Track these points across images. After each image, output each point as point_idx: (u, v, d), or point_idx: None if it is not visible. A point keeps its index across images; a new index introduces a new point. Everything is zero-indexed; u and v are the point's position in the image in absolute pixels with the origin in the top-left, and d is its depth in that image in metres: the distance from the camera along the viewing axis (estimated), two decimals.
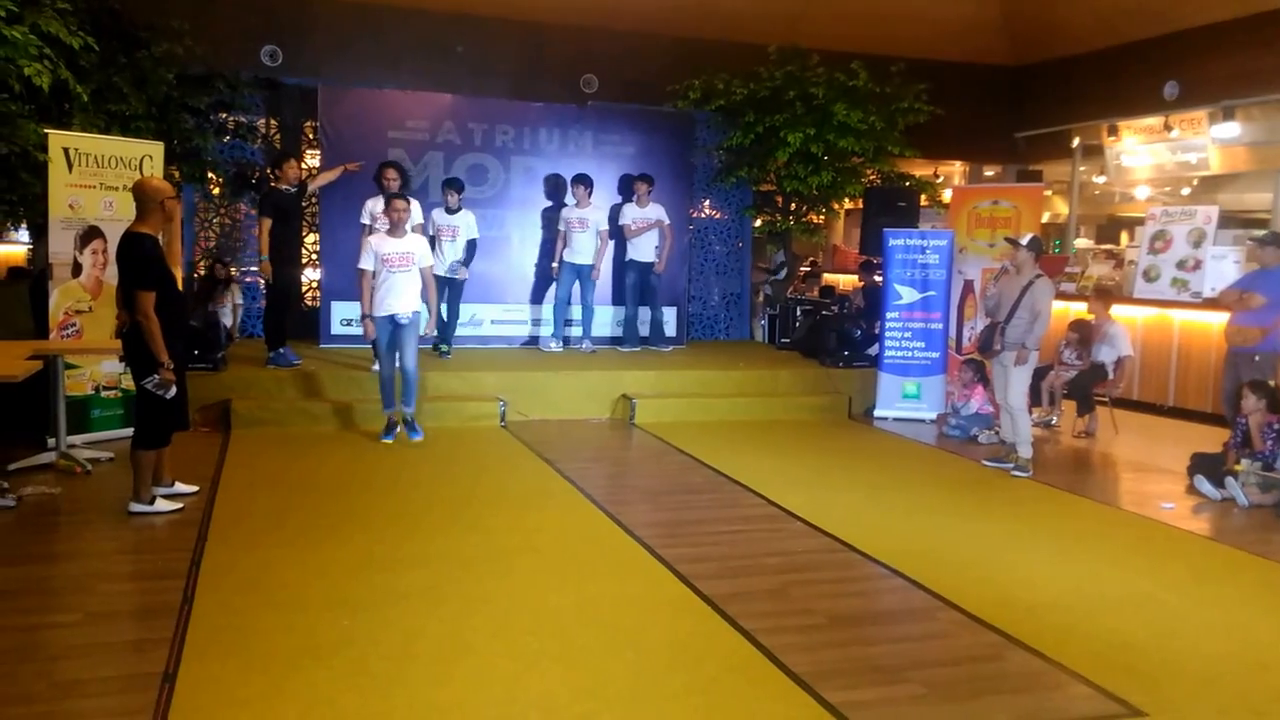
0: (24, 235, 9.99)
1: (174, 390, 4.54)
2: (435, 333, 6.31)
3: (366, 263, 6.29)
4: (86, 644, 3.30)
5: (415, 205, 8.10)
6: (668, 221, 8.86)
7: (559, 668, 3.22)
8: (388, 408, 6.31)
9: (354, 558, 4.19)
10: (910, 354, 7.96)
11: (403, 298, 6.09)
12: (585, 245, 8.52)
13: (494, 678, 3.12)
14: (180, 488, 4.96)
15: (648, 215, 8.83)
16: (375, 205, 7.42)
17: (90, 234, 6.00)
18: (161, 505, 4.70)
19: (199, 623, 3.44)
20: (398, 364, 6.25)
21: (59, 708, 2.86)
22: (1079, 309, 8.69)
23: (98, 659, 3.20)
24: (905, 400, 7.95)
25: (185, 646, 3.24)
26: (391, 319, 6.12)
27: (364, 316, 6.16)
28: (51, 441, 5.58)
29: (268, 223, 7.17)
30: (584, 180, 8.59)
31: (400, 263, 6.08)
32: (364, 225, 7.52)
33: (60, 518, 4.76)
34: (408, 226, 6.32)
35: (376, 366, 7.03)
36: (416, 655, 3.26)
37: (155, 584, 3.86)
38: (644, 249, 8.85)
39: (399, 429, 6.31)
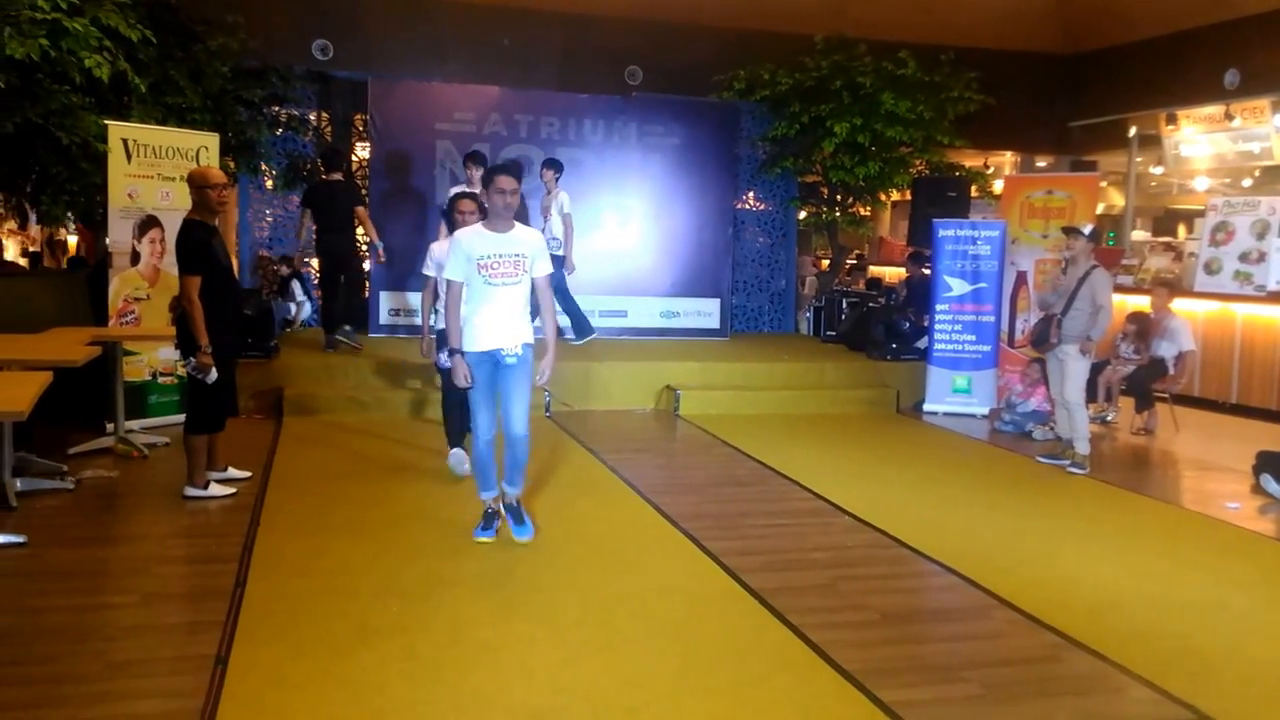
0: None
1: (214, 374, 4.56)
2: (545, 380, 4.21)
3: (433, 269, 5.00)
4: (142, 625, 3.37)
5: (563, 195, 7.64)
6: (566, 211, 7.79)
7: (605, 658, 3.19)
8: (486, 490, 4.27)
9: (403, 545, 4.21)
10: (961, 347, 7.79)
11: (507, 323, 4.07)
12: None
13: (541, 667, 3.11)
14: (233, 473, 5.04)
15: (551, 204, 7.82)
16: (442, 252, 5.22)
17: (148, 223, 6.13)
18: (215, 490, 4.78)
19: (251, 606, 3.48)
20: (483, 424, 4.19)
21: (114, 687, 2.91)
22: (1136, 302, 8.43)
23: (152, 640, 3.25)
24: (955, 394, 7.78)
25: (237, 629, 3.28)
26: (491, 357, 4.09)
27: (452, 352, 4.13)
28: (110, 426, 5.72)
29: (364, 211, 7.57)
30: (474, 158, 7.10)
31: (504, 270, 4.02)
32: (426, 278, 5.42)
33: (117, 501, 4.87)
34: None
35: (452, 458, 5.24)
36: (464, 643, 3.26)
37: (208, 567, 3.92)
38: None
39: (500, 521, 4.34)
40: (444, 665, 3.09)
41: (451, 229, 4.92)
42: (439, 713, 2.81)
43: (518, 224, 4.12)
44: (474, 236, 4.06)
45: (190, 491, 4.73)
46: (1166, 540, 4.73)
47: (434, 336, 5.24)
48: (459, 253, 4.05)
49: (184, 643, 3.22)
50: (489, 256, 4.02)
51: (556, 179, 7.87)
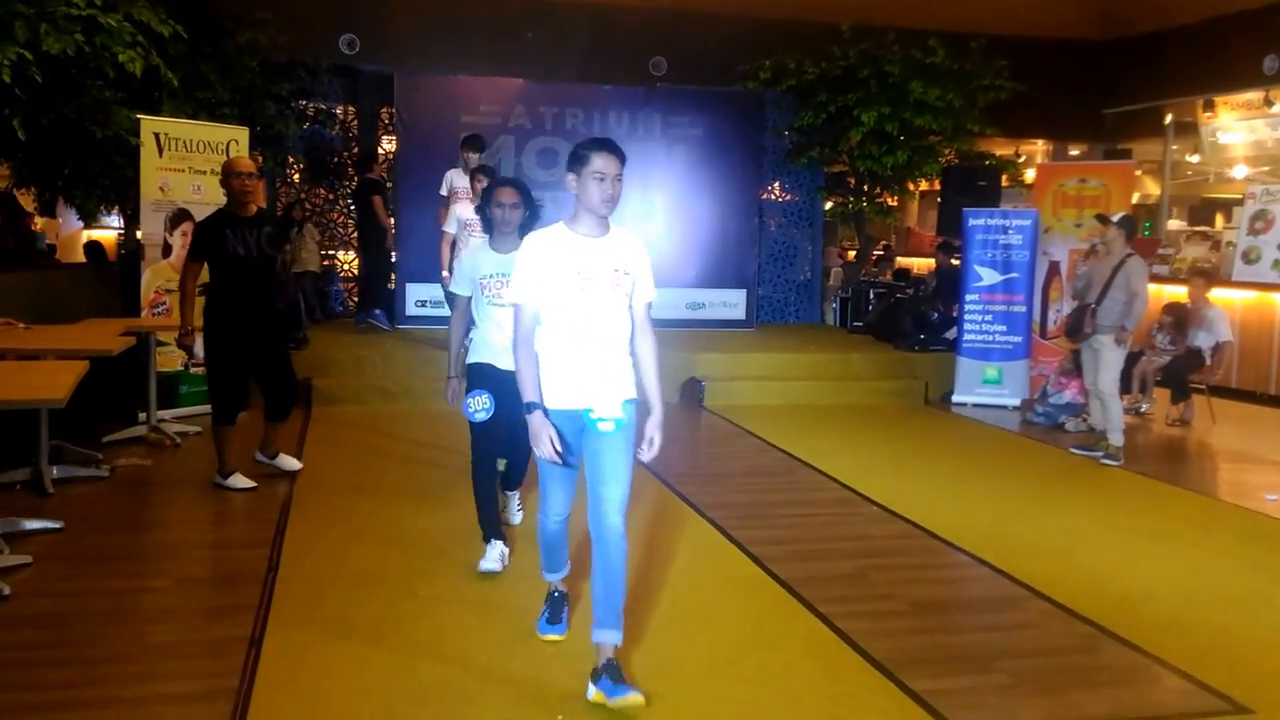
0: (112, 221, 10.42)
1: (196, 352, 4.71)
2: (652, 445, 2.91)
3: (466, 286, 3.74)
4: (177, 608, 3.43)
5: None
6: None
7: (632, 646, 3.18)
8: (553, 571, 3.16)
9: (431, 531, 4.24)
10: (991, 338, 7.69)
11: (603, 370, 2.79)
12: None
13: (571, 652, 3.11)
14: (285, 461, 4.99)
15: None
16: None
17: (180, 216, 6.21)
18: (236, 482, 4.71)
19: (283, 591, 3.52)
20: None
21: (154, 668, 2.96)
22: (1173, 292, 8.27)
23: (188, 623, 3.31)
24: (985, 385, 7.68)
25: (270, 613, 3.32)
26: (574, 419, 2.82)
27: (531, 406, 2.76)
28: (142, 416, 5.81)
29: (376, 199, 8.17)
30: (472, 143, 6.63)
31: (602, 292, 2.76)
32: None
33: (151, 488, 4.95)
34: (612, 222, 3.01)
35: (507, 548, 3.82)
36: (495, 628, 3.27)
37: (241, 552, 3.97)
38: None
39: (599, 679, 2.76)
40: (475, 649, 3.11)
41: (489, 228, 3.78)
42: (471, 694, 2.83)
43: (614, 226, 2.84)
44: (554, 243, 2.76)
45: (217, 480, 4.76)
46: (1203, 532, 4.64)
47: (461, 377, 3.88)
48: (533, 267, 2.75)
49: (219, 625, 3.27)
50: (583, 272, 2.73)
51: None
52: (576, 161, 2.76)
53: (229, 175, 4.64)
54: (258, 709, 2.68)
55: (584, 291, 2.74)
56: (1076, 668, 3.15)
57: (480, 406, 3.52)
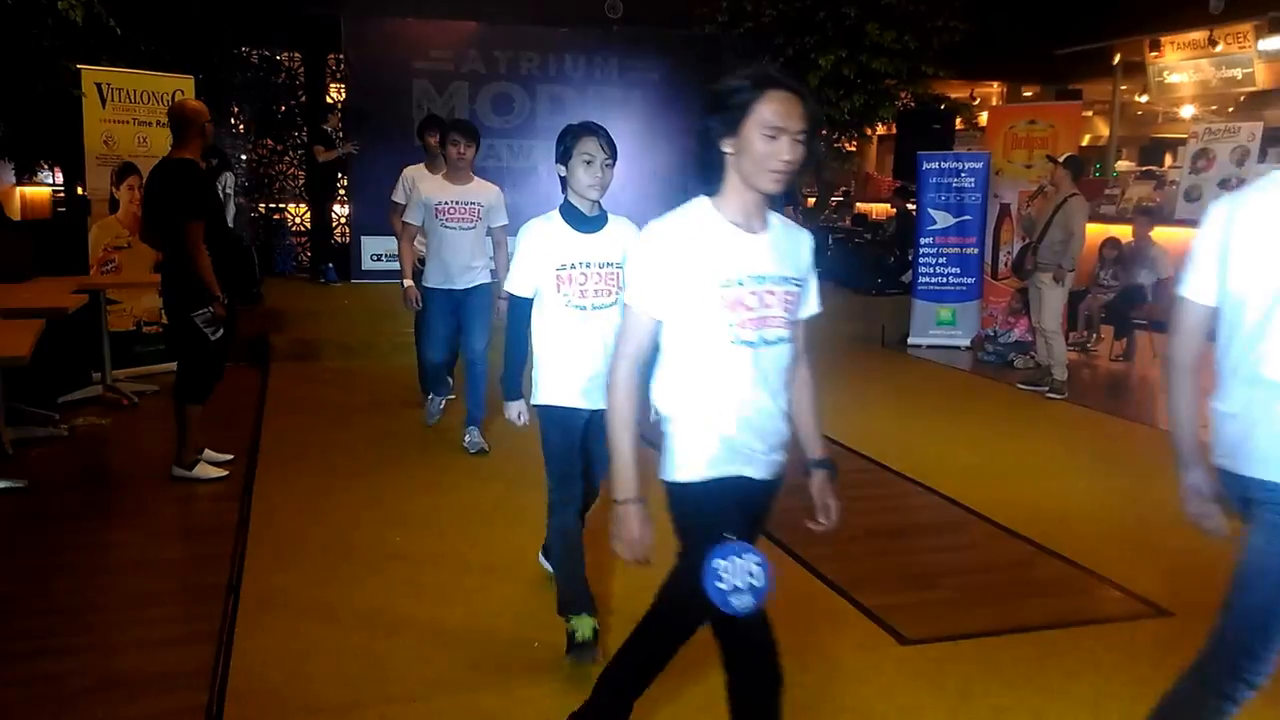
0: (46, 176, 10.09)
1: (221, 330, 4.01)
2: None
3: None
4: (151, 560, 3.47)
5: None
6: (504, 223, 4.60)
7: (607, 573, 3.32)
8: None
9: (400, 480, 4.31)
10: (945, 280, 7.88)
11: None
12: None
13: (546, 583, 3.23)
14: (206, 471, 4.27)
15: (472, 199, 4.53)
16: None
17: (126, 170, 6.06)
18: (203, 471, 4.23)
19: (256, 541, 3.57)
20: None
21: (134, 615, 3.02)
22: (1121, 228, 8.52)
23: (163, 572, 3.37)
24: (940, 327, 7.90)
25: (245, 562, 3.38)
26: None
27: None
28: (97, 375, 5.74)
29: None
30: (466, 129, 4.51)
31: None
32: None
33: (112, 446, 4.93)
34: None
35: None
36: (470, 566, 3.39)
37: (211, 505, 4.01)
38: (463, 254, 4.57)
39: None
40: (449, 588, 3.22)
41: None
42: (449, 630, 2.94)
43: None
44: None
45: (177, 472, 4.18)
46: (1138, 457, 4.90)
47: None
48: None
49: (196, 574, 3.34)
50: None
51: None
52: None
53: (205, 120, 3.99)
54: (240, 650, 2.77)
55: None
56: (1016, 581, 3.38)
57: (745, 583, 1.75)
